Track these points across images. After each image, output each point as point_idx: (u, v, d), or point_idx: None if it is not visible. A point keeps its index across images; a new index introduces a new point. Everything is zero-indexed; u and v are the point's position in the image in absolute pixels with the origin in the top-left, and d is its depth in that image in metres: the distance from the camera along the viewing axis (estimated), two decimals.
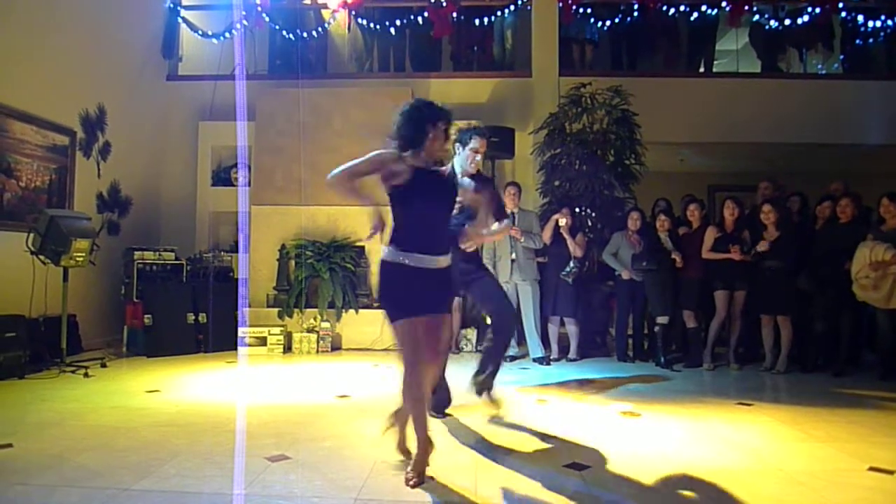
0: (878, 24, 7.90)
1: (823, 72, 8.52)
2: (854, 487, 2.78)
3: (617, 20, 7.96)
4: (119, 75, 7.30)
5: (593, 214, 6.78)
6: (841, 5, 7.80)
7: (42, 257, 5.31)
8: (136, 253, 6.63)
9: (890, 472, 2.97)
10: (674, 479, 2.88)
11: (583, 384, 5.15)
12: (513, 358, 6.17)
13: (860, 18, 7.84)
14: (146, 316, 6.31)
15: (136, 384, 4.94)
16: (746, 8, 7.81)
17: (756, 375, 5.64)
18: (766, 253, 5.69)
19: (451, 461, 3.10)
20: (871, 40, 8.11)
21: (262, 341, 6.63)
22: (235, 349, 6.46)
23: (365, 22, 8.15)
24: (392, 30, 8.01)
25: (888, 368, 5.32)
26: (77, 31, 6.45)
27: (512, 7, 8.01)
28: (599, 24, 8.03)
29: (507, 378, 5.37)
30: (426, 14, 7.88)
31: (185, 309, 6.53)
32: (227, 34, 8.07)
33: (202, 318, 6.59)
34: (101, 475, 2.85)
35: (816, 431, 3.69)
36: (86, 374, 5.17)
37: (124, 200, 7.43)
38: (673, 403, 4.43)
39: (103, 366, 5.58)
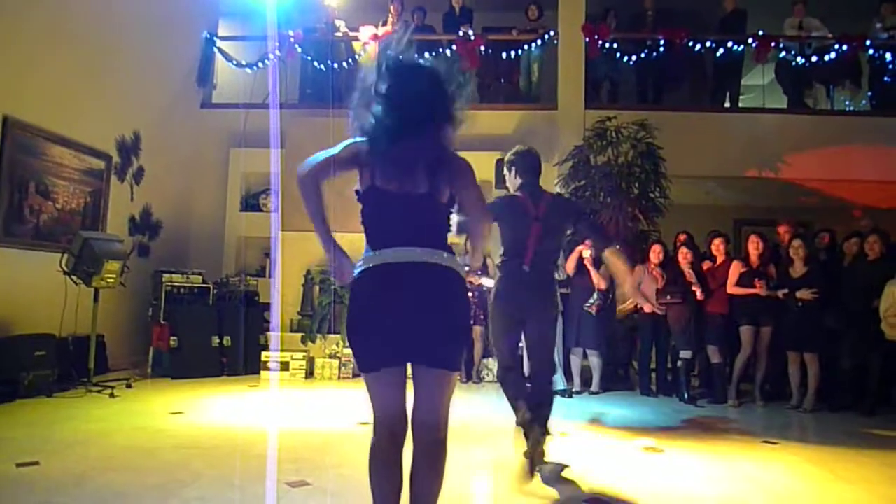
0: None
1: (851, 108, 8.46)
2: None
3: (643, 55, 8.02)
4: (155, 102, 7.53)
5: (617, 247, 6.74)
6: (868, 43, 7.78)
7: (74, 278, 5.43)
8: (164, 275, 6.74)
9: None
10: None
11: (605, 418, 5.09)
12: None
13: (888, 56, 7.79)
14: (172, 338, 6.40)
15: (160, 405, 5.00)
16: (773, 45, 7.84)
17: (782, 413, 5.54)
18: (799, 283, 5.60)
19: (469, 491, 3.08)
20: None
21: (285, 366, 6.66)
22: (258, 373, 6.54)
23: None
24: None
25: None
26: (117, 60, 6.68)
27: (539, 41, 8.12)
28: (626, 58, 8.09)
29: None
30: (454, 47, 8.03)
31: (210, 332, 6.62)
32: (259, 64, 8.30)
33: (226, 341, 6.67)
34: (123, 496, 2.89)
35: (845, 472, 3.61)
36: (111, 395, 5.24)
37: (155, 223, 7.60)
38: (696, 440, 4.36)
39: (129, 386, 5.66)
